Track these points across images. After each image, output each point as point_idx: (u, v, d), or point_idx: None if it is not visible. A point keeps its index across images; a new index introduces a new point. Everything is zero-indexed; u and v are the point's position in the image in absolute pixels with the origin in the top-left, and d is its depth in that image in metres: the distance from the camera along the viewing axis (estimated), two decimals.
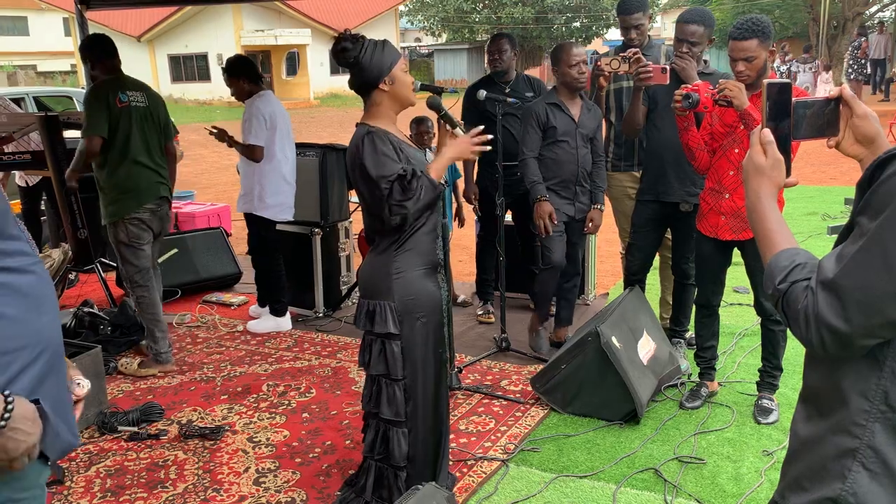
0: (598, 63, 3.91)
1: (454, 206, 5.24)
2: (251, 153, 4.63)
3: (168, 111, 4.50)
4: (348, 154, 2.67)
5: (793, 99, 1.38)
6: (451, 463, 3.24)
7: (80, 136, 4.27)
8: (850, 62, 18.51)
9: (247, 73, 4.68)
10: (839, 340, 1.17)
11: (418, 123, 4.74)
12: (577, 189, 4.15)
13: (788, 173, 1.37)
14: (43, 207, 6.50)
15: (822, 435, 1.27)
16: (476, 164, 4.85)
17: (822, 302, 1.17)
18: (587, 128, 4.13)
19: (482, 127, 2.78)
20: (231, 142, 4.71)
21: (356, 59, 2.60)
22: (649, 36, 4.29)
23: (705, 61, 3.90)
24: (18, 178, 6.11)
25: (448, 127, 2.78)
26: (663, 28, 39.68)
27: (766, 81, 1.38)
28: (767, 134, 1.37)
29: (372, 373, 2.69)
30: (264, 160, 4.65)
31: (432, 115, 3.02)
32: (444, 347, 2.82)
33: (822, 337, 1.18)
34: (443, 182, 2.72)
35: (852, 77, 18.23)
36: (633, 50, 3.79)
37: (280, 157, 4.73)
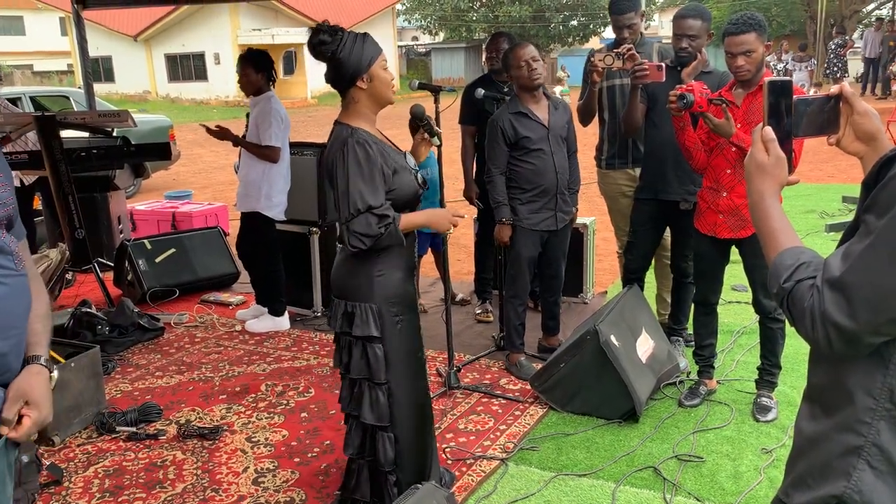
0: (592, 59, 3.90)
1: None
2: (269, 154, 4.58)
3: None
4: (329, 154, 2.55)
5: (793, 96, 1.38)
6: (450, 462, 3.25)
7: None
8: (833, 59, 18.49)
9: (269, 70, 4.67)
10: (846, 338, 1.17)
11: None
12: (558, 198, 4.00)
13: (791, 171, 1.37)
14: (39, 207, 6.49)
15: (827, 433, 1.26)
16: (475, 162, 4.85)
17: (828, 300, 1.17)
18: (559, 129, 4.00)
19: (464, 216, 2.73)
20: (238, 141, 4.68)
21: (333, 53, 2.50)
22: (642, 33, 4.29)
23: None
24: (13, 177, 6.08)
25: (426, 135, 2.79)
26: (661, 27, 39.70)
27: (767, 79, 1.38)
28: (769, 131, 1.36)
29: (353, 376, 2.62)
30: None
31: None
32: (421, 349, 2.77)
33: (829, 335, 1.18)
34: (423, 182, 2.69)
35: (837, 74, 18.21)
36: (627, 46, 3.78)
37: (287, 158, 4.72)
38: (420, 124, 2.87)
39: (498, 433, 3.51)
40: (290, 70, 30.15)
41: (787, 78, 1.39)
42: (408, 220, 2.58)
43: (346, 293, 2.61)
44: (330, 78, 2.58)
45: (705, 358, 3.79)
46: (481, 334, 4.77)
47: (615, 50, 3.79)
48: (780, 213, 1.35)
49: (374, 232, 2.47)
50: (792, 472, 1.36)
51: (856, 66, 20.89)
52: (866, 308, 1.14)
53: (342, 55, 2.50)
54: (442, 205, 3.91)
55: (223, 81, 28.27)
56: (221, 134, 4.69)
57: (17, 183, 6.08)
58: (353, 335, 2.57)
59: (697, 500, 2.94)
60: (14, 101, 7.74)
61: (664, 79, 3.64)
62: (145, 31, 29.55)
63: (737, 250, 3.58)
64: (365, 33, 2.60)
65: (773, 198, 1.36)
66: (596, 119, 4.38)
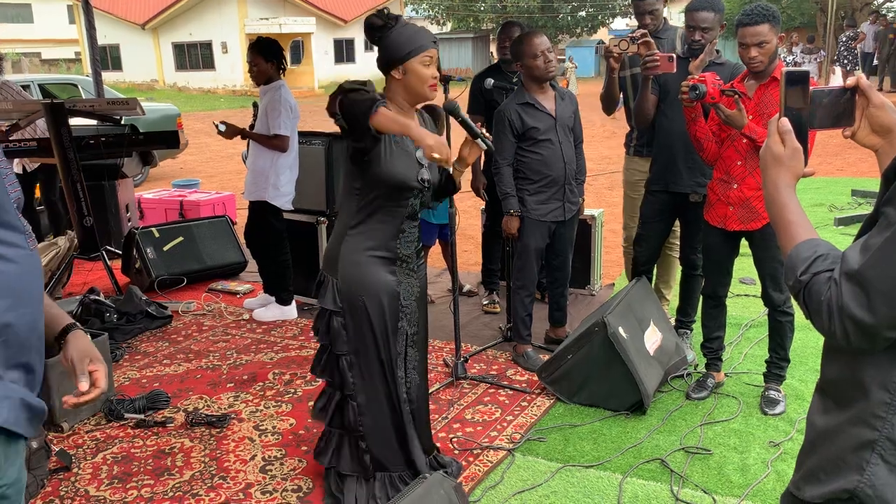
0: (607, 45, 3.88)
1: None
2: (278, 143, 4.57)
3: None
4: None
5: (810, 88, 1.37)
6: (457, 451, 3.25)
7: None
8: (844, 52, 18.36)
9: (278, 58, 4.66)
10: (863, 332, 1.16)
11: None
12: (566, 189, 3.99)
13: (806, 163, 1.35)
14: (38, 196, 6.47)
15: (840, 426, 1.26)
16: (483, 153, 4.82)
17: (846, 293, 1.16)
18: (565, 119, 3.98)
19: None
20: (245, 134, 4.67)
21: (379, 39, 2.57)
22: (665, 19, 4.26)
23: (717, 51, 3.87)
24: (16, 164, 6.06)
25: (469, 136, 2.72)
26: (670, 18, 39.48)
27: (784, 70, 1.37)
28: (785, 123, 1.35)
29: (320, 341, 2.77)
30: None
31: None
32: (391, 336, 2.71)
33: (846, 329, 1.16)
34: (426, 179, 2.68)
35: (847, 67, 18.09)
36: (641, 31, 3.76)
37: (295, 147, 4.72)
38: (457, 121, 2.81)
39: (505, 424, 3.51)
40: (297, 60, 30.10)
41: (805, 69, 1.38)
42: (397, 119, 2.42)
43: (324, 264, 2.75)
44: (378, 61, 2.67)
45: (713, 350, 3.78)
46: (488, 325, 4.77)
47: (629, 35, 3.77)
48: (796, 204, 1.34)
49: (358, 85, 2.46)
50: (803, 465, 1.35)
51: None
52: (885, 302, 1.12)
53: (385, 42, 2.57)
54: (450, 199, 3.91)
55: (230, 70, 28.26)
56: (229, 133, 4.67)
57: (19, 170, 6.08)
58: (322, 305, 2.70)
59: (704, 492, 2.94)
60: (23, 88, 7.75)
61: (675, 70, 3.62)
62: (153, 20, 29.52)
63: (746, 243, 3.57)
64: (421, 27, 2.63)
65: (788, 189, 1.34)
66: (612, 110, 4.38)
